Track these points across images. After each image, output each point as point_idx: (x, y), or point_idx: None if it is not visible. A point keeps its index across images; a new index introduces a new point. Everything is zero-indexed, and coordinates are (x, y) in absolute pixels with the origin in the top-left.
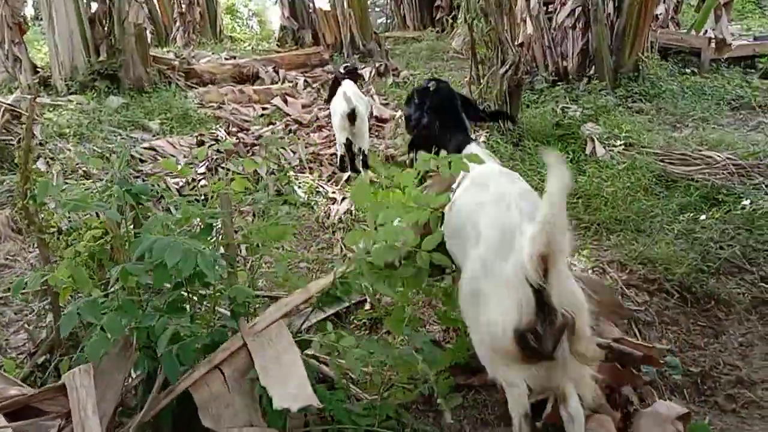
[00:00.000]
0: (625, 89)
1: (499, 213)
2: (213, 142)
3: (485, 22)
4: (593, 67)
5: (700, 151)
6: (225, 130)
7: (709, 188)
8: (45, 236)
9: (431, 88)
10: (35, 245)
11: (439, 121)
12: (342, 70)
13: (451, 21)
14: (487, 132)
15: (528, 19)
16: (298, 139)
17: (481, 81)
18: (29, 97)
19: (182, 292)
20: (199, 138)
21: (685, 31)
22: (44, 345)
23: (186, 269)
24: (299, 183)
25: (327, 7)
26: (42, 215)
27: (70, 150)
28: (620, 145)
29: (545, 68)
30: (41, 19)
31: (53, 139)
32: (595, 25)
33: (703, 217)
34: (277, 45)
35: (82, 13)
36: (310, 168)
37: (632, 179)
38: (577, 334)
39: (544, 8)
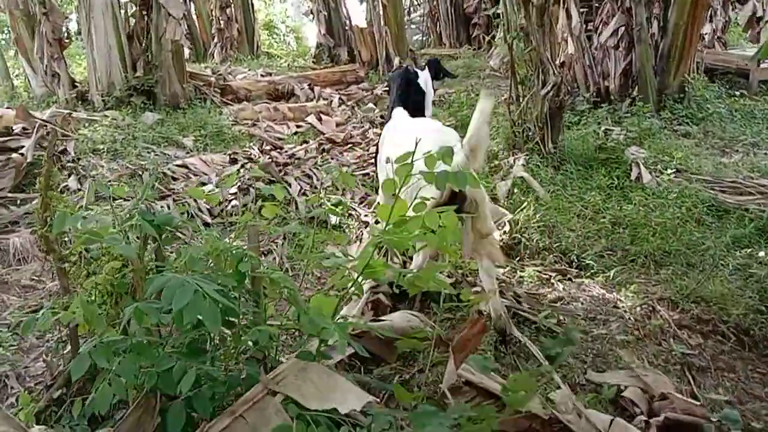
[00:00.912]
0: (671, 111)
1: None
2: (246, 161)
3: (526, 42)
4: (636, 88)
5: (753, 179)
6: (258, 148)
7: (765, 220)
8: (65, 264)
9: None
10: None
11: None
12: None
13: (488, 39)
14: (526, 155)
15: (569, 38)
16: (331, 159)
17: (521, 101)
18: (65, 112)
19: (203, 332)
20: (232, 156)
21: (732, 51)
22: (61, 378)
23: (190, 314)
24: (331, 205)
25: (363, 24)
26: (65, 239)
27: (103, 166)
28: (671, 173)
29: (586, 89)
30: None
31: (87, 155)
32: (639, 45)
33: (762, 253)
34: (312, 62)
35: (120, 29)
36: (343, 190)
37: (682, 209)
38: (479, 215)
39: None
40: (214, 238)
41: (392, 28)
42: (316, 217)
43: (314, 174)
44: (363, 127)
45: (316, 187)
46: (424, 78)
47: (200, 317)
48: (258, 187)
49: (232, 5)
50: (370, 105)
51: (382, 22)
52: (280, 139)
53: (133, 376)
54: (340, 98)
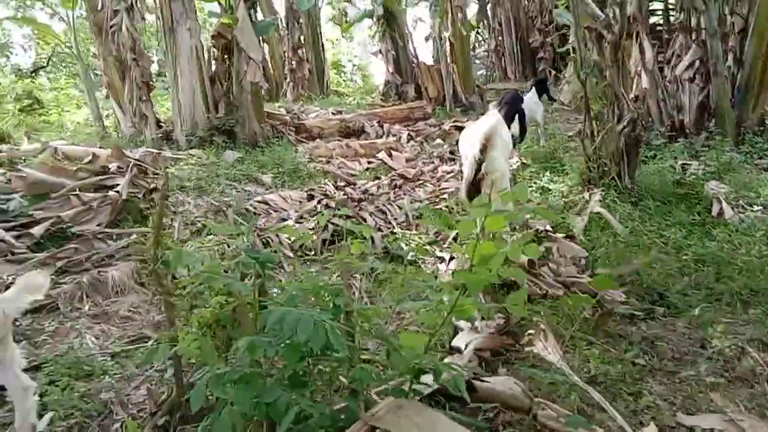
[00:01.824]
0: (750, 145)
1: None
2: (322, 197)
3: (599, 77)
4: (713, 121)
5: None
6: (333, 184)
7: None
8: (171, 298)
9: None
10: (158, 298)
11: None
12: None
13: (554, 72)
14: (602, 190)
15: (643, 72)
16: (403, 194)
17: (596, 136)
18: (154, 152)
19: (305, 366)
20: (309, 192)
21: None
22: (165, 405)
23: (316, 344)
24: (406, 240)
25: (430, 61)
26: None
27: (189, 203)
28: (757, 209)
29: (661, 123)
30: (163, 76)
31: (174, 192)
32: (715, 78)
33: None
34: (381, 99)
35: (203, 73)
36: (416, 225)
37: None
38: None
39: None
40: (313, 274)
41: (459, 65)
42: (391, 252)
43: (388, 210)
44: (432, 162)
45: (390, 222)
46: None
47: (317, 346)
48: (336, 223)
49: (304, 47)
50: (438, 141)
51: (449, 60)
52: (352, 175)
53: (248, 406)
54: (408, 134)
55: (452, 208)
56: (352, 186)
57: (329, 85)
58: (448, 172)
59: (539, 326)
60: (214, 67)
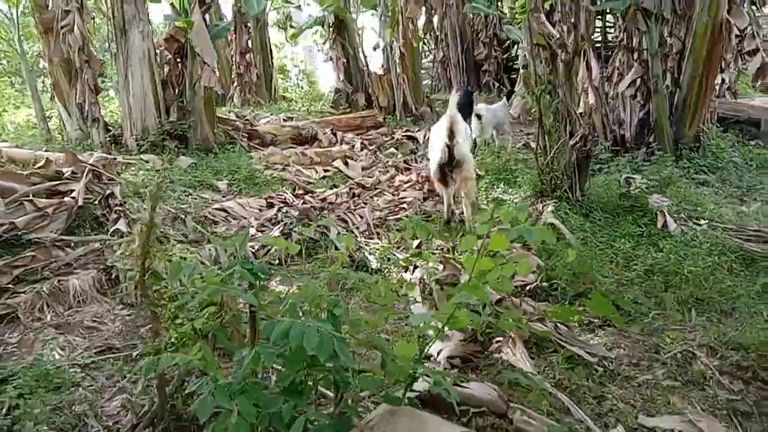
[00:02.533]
0: (688, 160)
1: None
2: (282, 204)
3: (552, 94)
4: (653, 137)
5: None
6: (291, 193)
7: None
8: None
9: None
10: (120, 307)
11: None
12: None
13: (497, 85)
14: (554, 202)
15: (589, 89)
16: (363, 203)
17: (548, 151)
18: (108, 156)
19: (303, 376)
20: (268, 200)
21: (742, 101)
22: (146, 417)
23: (323, 354)
24: (370, 249)
25: (379, 71)
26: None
27: (146, 209)
28: (704, 223)
29: (605, 137)
30: (107, 77)
31: (131, 198)
32: (655, 96)
33: None
34: (331, 107)
35: (156, 76)
36: (378, 233)
37: (712, 256)
38: (462, 168)
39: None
40: (308, 285)
41: (409, 76)
42: (356, 261)
43: (349, 218)
44: (388, 171)
45: (352, 231)
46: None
47: (323, 356)
48: (299, 231)
49: (252, 51)
50: (392, 150)
51: (399, 70)
52: (309, 183)
53: (253, 416)
54: (362, 143)
55: (414, 216)
56: (310, 194)
57: (277, 91)
58: (405, 182)
59: (509, 334)
60: (166, 71)
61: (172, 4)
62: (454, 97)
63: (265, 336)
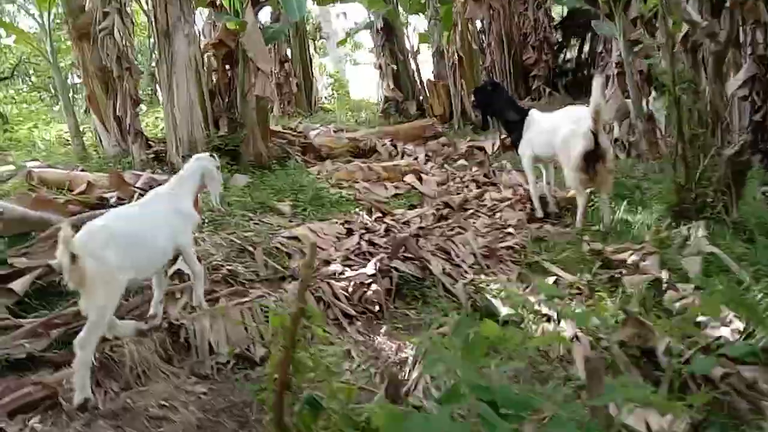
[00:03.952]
0: None
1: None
2: (363, 230)
3: (694, 95)
4: None
5: None
6: (367, 215)
7: None
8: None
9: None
10: (193, 381)
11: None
12: None
13: (548, 90)
14: (704, 225)
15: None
16: (462, 229)
17: (688, 161)
18: (160, 178)
19: None
20: (346, 226)
21: None
22: None
23: None
24: (489, 290)
25: (431, 77)
26: None
27: (205, 240)
28: None
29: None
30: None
31: None
32: None
33: None
34: (380, 116)
35: (203, 85)
36: (487, 266)
37: None
38: (605, 158)
39: None
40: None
41: (468, 81)
42: (480, 308)
43: (451, 248)
44: (467, 187)
45: (458, 265)
46: None
47: None
48: (398, 267)
49: (291, 60)
50: (462, 162)
51: (458, 76)
52: (380, 201)
53: None
54: (426, 155)
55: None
56: (390, 216)
57: (318, 101)
58: (499, 200)
59: None
60: (214, 79)
61: (220, 4)
62: (597, 81)
63: None
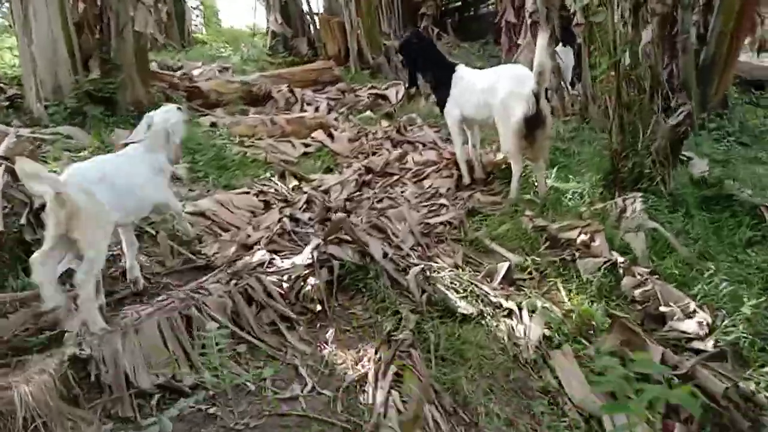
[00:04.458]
0: (718, 129)
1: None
2: (281, 203)
3: (633, 58)
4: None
5: None
6: (280, 180)
7: None
8: None
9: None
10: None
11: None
12: None
13: (436, 30)
14: (642, 197)
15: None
16: (390, 197)
17: (625, 129)
18: (24, 135)
19: None
20: (260, 197)
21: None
22: None
23: None
24: (442, 279)
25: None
26: None
27: None
28: None
29: None
30: None
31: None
32: (684, 56)
33: None
34: (267, 54)
35: (68, 16)
36: (426, 245)
37: None
38: (545, 123)
39: None
40: None
41: (365, 19)
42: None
43: (387, 225)
44: (381, 145)
45: (398, 247)
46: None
47: None
48: (336, 255)
49: None
50: (369, 113)
51: (354, 13)
52: (287, 161)
53: None
54: (328, 104)
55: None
56: (306, 183)
57: (191, 32)
58: (422, 164)
59: None
60: (80, 10)
61: None
62: (543, 37)
63: None
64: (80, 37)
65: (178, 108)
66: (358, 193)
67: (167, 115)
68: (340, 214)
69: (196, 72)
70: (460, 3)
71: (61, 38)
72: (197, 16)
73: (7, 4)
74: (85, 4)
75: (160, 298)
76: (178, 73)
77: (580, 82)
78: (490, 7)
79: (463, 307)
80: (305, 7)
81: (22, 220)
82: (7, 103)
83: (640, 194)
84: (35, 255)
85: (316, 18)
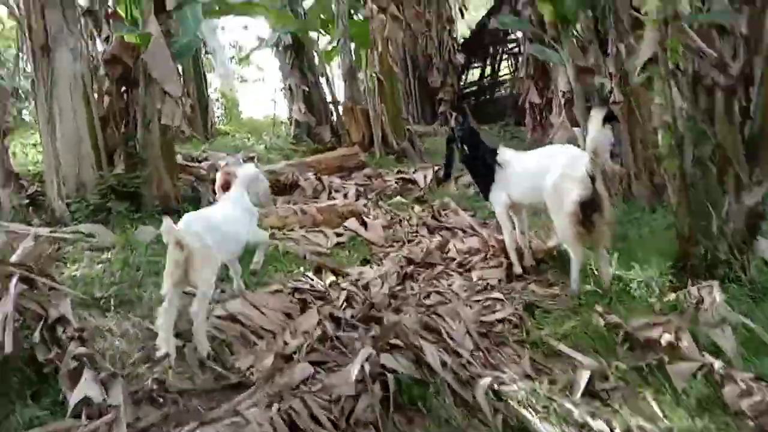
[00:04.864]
0: None
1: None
2: (319, 301)
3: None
4: None
5: None
6: (313, 275)
7: None
8: None
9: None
10: None
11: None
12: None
13: (454, 114)
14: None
15: None
16: (438, 294)
17: (692, 212)
18: (43, 233)
19: None
20: (297, 296)
21: None
22: None
23: None
24: (517, 397)
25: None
26: None
27: (113, 331)
28: None
29: None
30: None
31: (81, 311)
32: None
33: None
34: (291, 143)
35: (93, 111)
36: (487, 349)
37: None
38: (604, 209)
39: None
40: None
41: (389, 106)
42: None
43: (441, 326)
44: (417, 233)
45: (456, 352)
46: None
47: None
48: (395, 369)
49: (183, 77)
50: (399, 198)
51: (377, 99)
52: (322, 253)
53: None
54: (356, 190)
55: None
56: (343, 277)
57: (214, 124)
58: (465, 252)
59: None
60: (106, 104)
61: (113, 12)
62: (597, 114)
63: None
64: (105, 132)
65: (256, 166)
66: (400, 287)
67: (247, 170)
68: (392, 316)
69: (222, 163)
70: (476, 87)
71: (86, 133)
72: (218, 108)
73: (33, 102)
74: (111, 98)
75: (188, 427)
76: (204, 164)
77: (613, 158)
78: (503, 90)
79: (547, 431)
80: (329, 97)
81: (35, 336)
82: (28, 201)
83: (716, 282)
84: (163, 304)
85: (339, 106)
